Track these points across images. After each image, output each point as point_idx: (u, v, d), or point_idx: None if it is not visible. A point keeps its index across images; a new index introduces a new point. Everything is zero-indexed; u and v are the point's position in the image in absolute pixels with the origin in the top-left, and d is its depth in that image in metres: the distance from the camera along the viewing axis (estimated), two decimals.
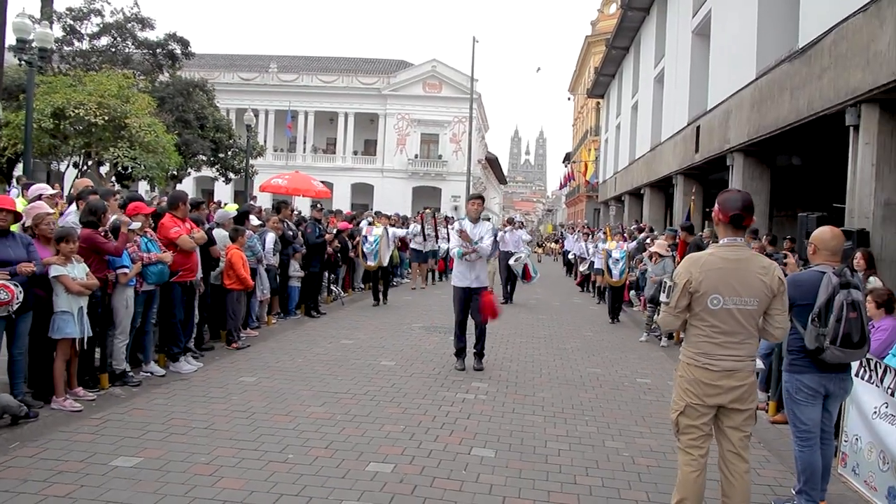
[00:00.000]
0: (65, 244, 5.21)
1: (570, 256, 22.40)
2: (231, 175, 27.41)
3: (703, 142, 15.05)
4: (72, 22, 23.64)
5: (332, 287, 12.47)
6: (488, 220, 8.72)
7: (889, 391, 4.21)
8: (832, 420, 4.14)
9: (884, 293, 5.06)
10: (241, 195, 25.94)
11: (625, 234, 14.62)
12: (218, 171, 26.81)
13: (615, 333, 10.89)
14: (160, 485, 3.88)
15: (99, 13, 23.84)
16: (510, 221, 15.88)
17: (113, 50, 24.20)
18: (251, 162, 25.70)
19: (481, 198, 7.85)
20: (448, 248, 9.93)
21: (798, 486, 3.99)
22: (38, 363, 5.30)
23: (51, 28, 18.23)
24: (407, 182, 45.76)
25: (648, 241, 12.32)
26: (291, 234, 10.11)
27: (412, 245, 16.10)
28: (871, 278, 6.00)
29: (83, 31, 23.97)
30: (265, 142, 41.07)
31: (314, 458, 4.43)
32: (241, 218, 8.56)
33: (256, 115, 33.39)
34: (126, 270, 5.81)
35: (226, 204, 12.54)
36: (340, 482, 4.08)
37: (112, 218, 5.84)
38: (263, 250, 9.03)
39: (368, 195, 44.80)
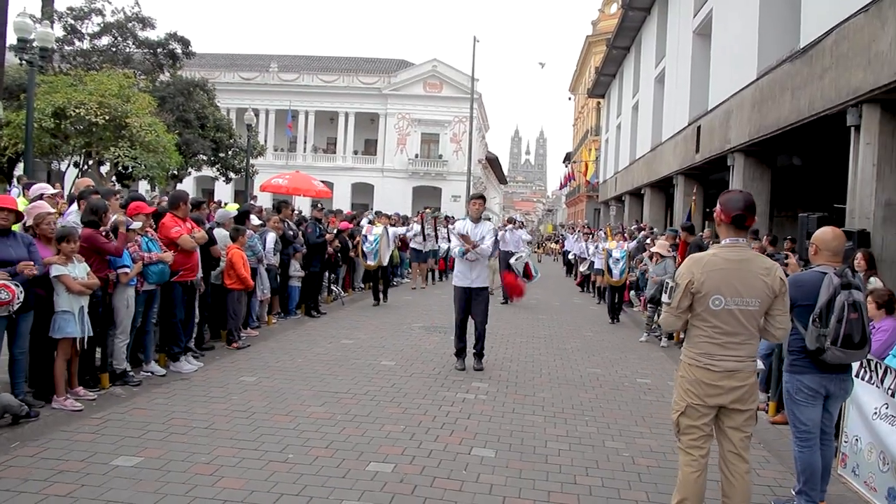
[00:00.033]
0: (66, 244, 5.21)
1: (571, 257, 22.40)
2: (231, 175, 27.42)
3: (704, 142, 15.05)
4: (73, 21, 23.66)
5: (333, 287, 12.47)
6: (489, 220, 8.73)
7: (889, 392, 4.21)
8: (832, 421, 4.14)
9: (884, 294, 5.06)
10: (242, 195, 25.95)
11: (625, 234, 14.62)
12: (218, 170, 26.82)
13: (615, 334, 10.89)
14: (161, 484, 3.88)
15: (100, 13, 23.87)
16: (511, 221, 15.88)
17: (114, 49, 24.22)
18: (251, 161, 25.71)
19: (483, 198, 7.85)
20: (448, 248, 9.93)
21: (798, 487, 3.99)
22: (39, 363, 5.31)
23: (52, 27, 18.22)
24: (407, 182, 45.75)
25: (648, 241, 12.32)
26: (292, 233, 10.11)
27: (412, 245, 16.11)
28: (872, 279, 6.00)
29: (84, 31, 24.00)
30: (265, 141, 41.06)
31: (314, 458, 4.44)
32: (242, 217, 8.57)
33: (257, 115, 33.44)
34: (127, 270, 5.81)
35: (226, 203, 12.54)
36: (341, 482, 4.08)
37: (112, 218, 5.84)
38: (264, 250, 9.03)
39: (369, 195, 44.80)
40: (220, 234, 7.97)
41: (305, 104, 45.38)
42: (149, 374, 6.33)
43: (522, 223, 19.82)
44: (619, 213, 29.59)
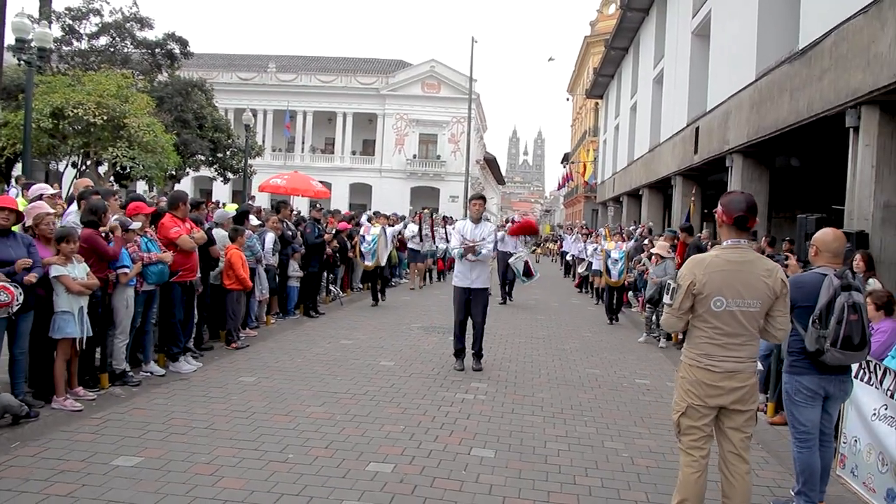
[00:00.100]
0: (65, 244, 5.21)
1: (569, 258, 22.40)
2: (229, 175, 27.41)
3: (703, 143, 15.06)
4: (71, 22, 23.62)
5: (331, 287, 12.47)
6: (489, 220, 8.74)
7: (888, 393, 4.22)
8: (832, 422, 4.16)
9: (883, 295, 5.07)
10: (240, 195, 25.96)
11: (623, 235, 14.64)
12: (216, 170, 26.81)
13: (614, 334, 10.90)
14: (161, 484, 3.88)
15: (98, 13, 23.84)
16: (510, 222, 15.87)
17: (112, 50, 24.20)
18: (250, 162, 25.71)
19: (483, 198, 7.86)
20: (447, 248, 9.91)
21: (797, 488, 4.00)
22: (39, 363, 5.30)
23: (49, 28, 18.22)
24: (405, 182, 45.74)
25: (647, 242, 12.34)
26: (290, 234, 10.11)
27: (410, 245, 16.12)
28: (871, 280, 6.01)
29: (82, 31, 23.97)
30: (264, 142, 41.07)
31: (314, 458, 4.44)
32: (241, 218, 8.56)
33: (255, 115, 33.43)
34: (126, 270, 5.81)
35: (225, 204, 12.54)
36: (341, 482, 4.08)
37: (112, 218, 5.84)
38: (262, 250, 9.02)
39: (367, 195, 44.80)
40: (219, 234, 7.97)
41: (303, 104, 45.35)
42: (148, 374, 6.33)
43: None
44: (617, 213, 29.62)
